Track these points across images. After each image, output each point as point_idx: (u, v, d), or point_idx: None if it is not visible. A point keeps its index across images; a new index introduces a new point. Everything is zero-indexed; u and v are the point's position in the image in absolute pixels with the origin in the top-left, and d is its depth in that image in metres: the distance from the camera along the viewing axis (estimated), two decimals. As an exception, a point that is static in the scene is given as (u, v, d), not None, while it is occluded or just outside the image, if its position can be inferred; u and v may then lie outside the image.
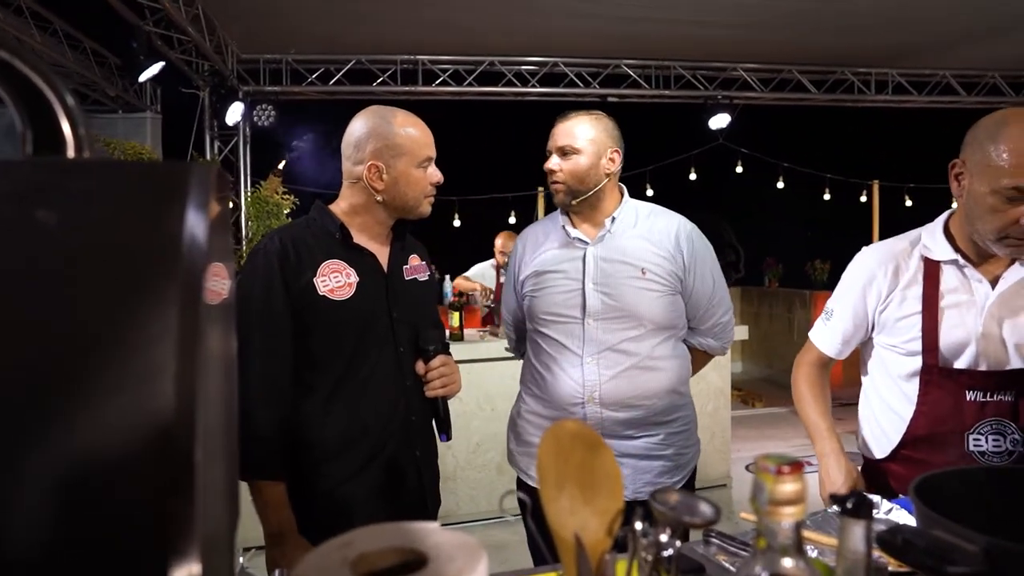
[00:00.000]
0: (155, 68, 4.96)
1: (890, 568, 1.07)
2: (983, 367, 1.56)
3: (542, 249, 2.02)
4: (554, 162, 1.95)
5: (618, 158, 1.96)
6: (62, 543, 0.42)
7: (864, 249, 1.78)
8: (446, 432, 1.76)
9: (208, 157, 6.63)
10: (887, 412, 1.70)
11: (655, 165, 8.11)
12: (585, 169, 1.91)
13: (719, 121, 7.16)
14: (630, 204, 2.01)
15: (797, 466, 0.57)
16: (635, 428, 1.91)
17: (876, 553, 0.83)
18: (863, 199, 8.77)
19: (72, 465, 0.43)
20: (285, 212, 6.27)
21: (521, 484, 2.03)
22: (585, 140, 1.92)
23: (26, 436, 0.42)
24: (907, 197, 8.96)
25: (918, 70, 7.41)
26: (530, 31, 6.13)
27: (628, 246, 1.94)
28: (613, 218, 1.96)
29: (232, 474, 0.55)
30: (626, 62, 6.97)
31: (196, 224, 0.48)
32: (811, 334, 1.85)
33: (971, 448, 1.53)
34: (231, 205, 6.55)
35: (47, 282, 0.45)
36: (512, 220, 8.05)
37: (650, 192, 8.05)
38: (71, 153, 0.57)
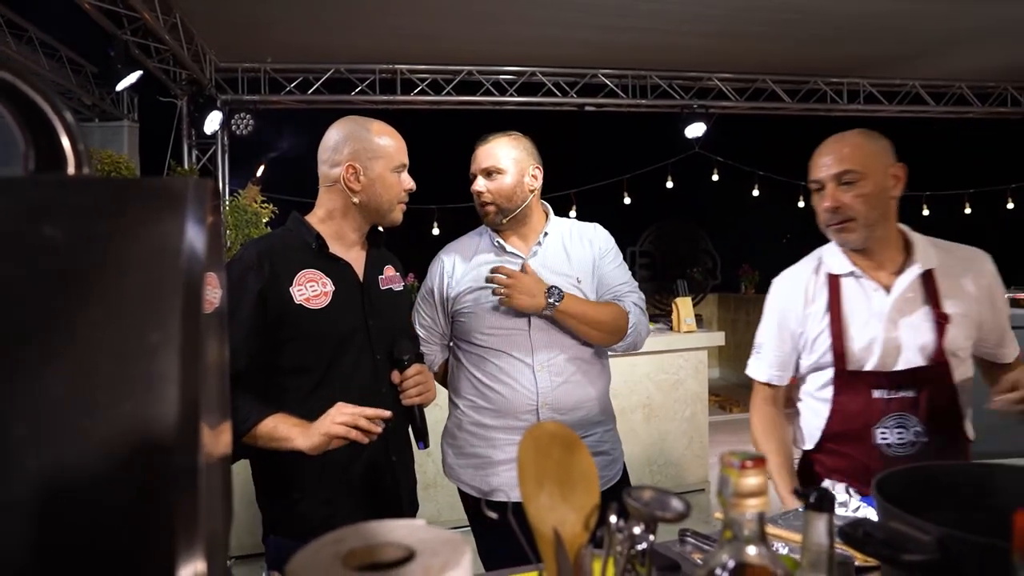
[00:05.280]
0: (133, 77, 4.92)
1: (856, 563, 1.12)
2: (886, 368, 1.70)
3: (473, 264, 2.02)
4: (480, 184, 2.01)
5: (540, 175, 2.05)
6: (73, 547, 0.44)
7: (775, 281, 1.95)
8: (424, 440, 1.78)
9: (186, 166, 6.59)
10: (809, 412, 1.86)
11: (632, 174, 8.19)
12: (511, 187, 1.99)
13: (695, 130, 7.25)
14: (556, 219, 2.11)
15: (759, 461, 0.61)
16: (581, 429, 1.96)
17: (841, 548, 0.88)
18: (836, 206, 8.88)
19: (81, 471, 0.45)
20: (264, 221, 6.23)
21: (463, 496, 2.03)
22: (508, 160, 1.99)
23: (35, 445, 0.45)
24: (878, 204, 9.08)
25: (888, 80, 7.57)
26: (508, 40, 6.18)
27: (560, 257, 2.03)
28: (546, 232, 2.05)
29: (227, 475, 0.58)
30: (603, 72, 7.04)
31: (195, 238, 0.50)
32: (748, 372, 1.97)
33: (878, 441, 1.68)
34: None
35: (55, 296, 0.47)
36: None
37: (628, 200, 8.12)
38: (71, 169, 0.59)
